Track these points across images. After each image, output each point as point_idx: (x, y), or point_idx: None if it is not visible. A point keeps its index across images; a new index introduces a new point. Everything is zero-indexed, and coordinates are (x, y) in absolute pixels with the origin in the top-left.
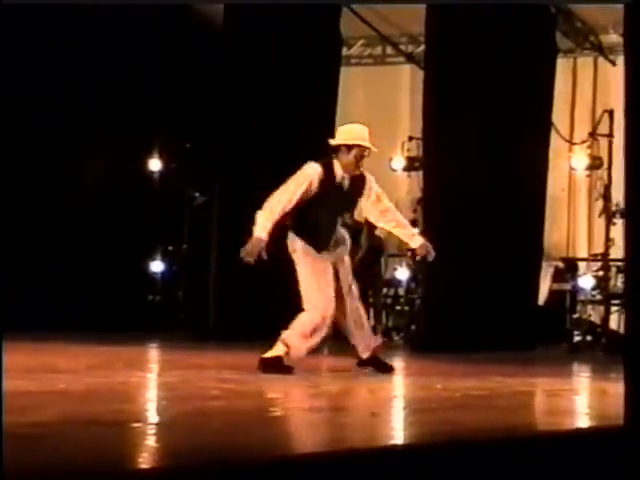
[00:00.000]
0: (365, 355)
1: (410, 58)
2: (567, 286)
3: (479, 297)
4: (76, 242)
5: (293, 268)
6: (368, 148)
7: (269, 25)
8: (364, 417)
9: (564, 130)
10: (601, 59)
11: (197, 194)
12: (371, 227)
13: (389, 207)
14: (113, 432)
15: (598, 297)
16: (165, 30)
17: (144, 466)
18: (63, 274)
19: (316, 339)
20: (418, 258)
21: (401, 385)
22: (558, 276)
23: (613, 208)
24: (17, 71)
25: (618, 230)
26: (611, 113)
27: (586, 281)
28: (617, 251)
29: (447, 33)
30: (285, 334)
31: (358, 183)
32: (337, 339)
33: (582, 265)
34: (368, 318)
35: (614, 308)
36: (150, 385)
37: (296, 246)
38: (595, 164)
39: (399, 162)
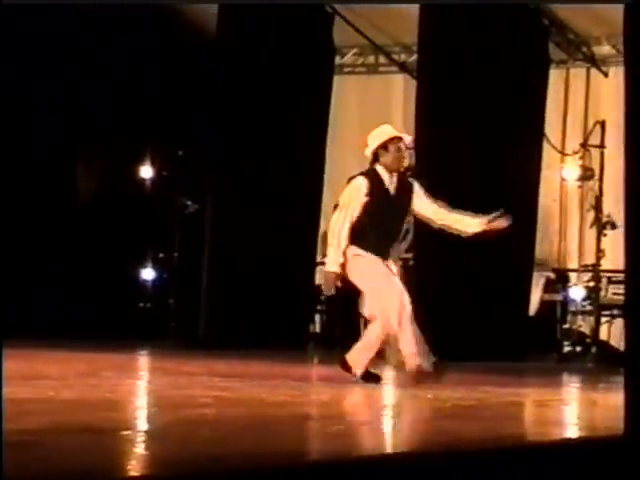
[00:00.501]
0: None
1: (403, 67)
2: (558, 296)
3: (469, 306)
4: (67, 249)
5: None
6: (401, 138)
7: (262, 34)
8: (355, 426)
9: (556, 141)
10: (593, 70)
11: (189, 202)
12: None
13: (440, 202)
14: (102, 440)
15: (589, 308)
16: (158, 38)
17: (134, 474)
18: (54, 281)
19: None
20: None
21: (392, 394)
22: (549, 286)
23: (604, 219)
24: (11, 75)
25: (609, 241)
26: (603, 124)
27: (577, 292)
28: (608, 262)
29: (440, 43)
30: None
31: (404, 186)
32: (327, 347)
33: (573, 276)
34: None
35: (604, 319)
36: (140, 393)
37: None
38: (586, 175)
39: None
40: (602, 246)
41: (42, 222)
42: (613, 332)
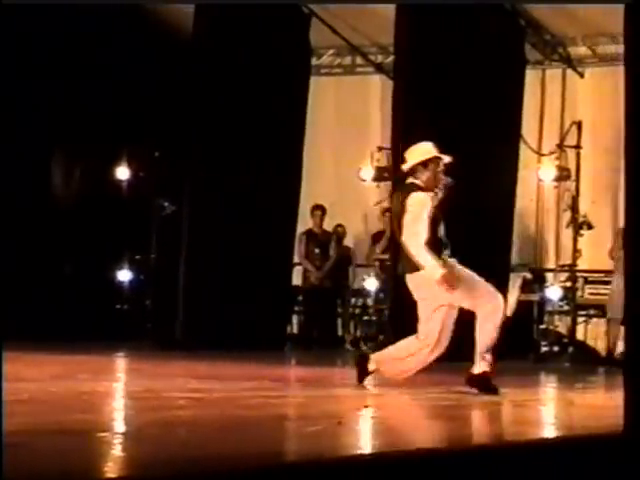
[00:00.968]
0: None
1: (380, 68)
2: (535, 297)
3: None
4: (44, 250)
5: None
6: (441, 158)
7: (238, 34)
8: (332, 427)
9: (532, 141)
10: (569, 71)
11: (166, 203)
12: (339, 237)
13: None
14: (79, 442)
15: (565, 308)
16: (135, 38)
17: (110, 476)
18: (30, 282)
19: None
20: None
21: (369, 394)
22: (526, 287)
23: (580, 219)
24: None
25: (585, 241)
26: (579, 124)
27: (553, 292)
28: (584, 262)
29: (416, 43)
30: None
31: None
32: (304, 348)
33: (550, 276)
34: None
35: (581, 319)
36: (117, 394)
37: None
38: (563, 175)
39: (368, 172)
40: (579, 246)
41: (18, 223)
42: (590, 332)
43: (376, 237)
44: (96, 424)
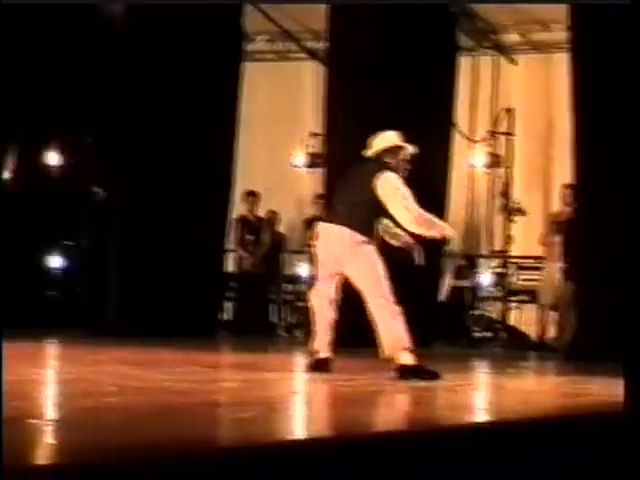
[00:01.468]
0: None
1: (313, 54)
2: (467, 283)
3: None
4: None
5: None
6: (405, 148)
7: (169, 20)
8: (264, 412)
9: (465, 128)
10: (502, 58)
11: (97, 189)
12: (272, 223)
13: None
14: (9, 429)
15: (497, 294)
16: (66, 24)
17: (41, 463)
18: None
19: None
20: None
21: (302, 380)
22: (458, 273)
23: (512, 206)
24: None
25: (517, 227)
26: (511, 112)
27: (486, 278)
28: (516, 248)
29: (349, 30)
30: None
31: None
32: (236, 335)
33: (482, 262)
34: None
35: (513, 304)
36: (47, 381)
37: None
38: (495, 162)
39: (301, 158)
40: (510, 232)
41: None
42: (521, 317)
43: (309, 223)
44: (26, 411)
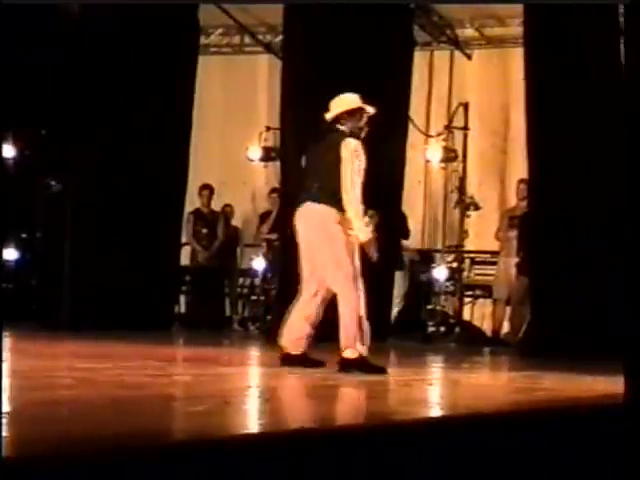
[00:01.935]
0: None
1: (268, 48)
2: (422, 277)
3: None
4: None
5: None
6: (366, 109)
7: (124, 11)
8: (217, 406)
9: (420, 123)
10: (457, 53)
11: (52, 182)
12: (227, 217)
13: None
14: None
15: (452, 288)
16: (23, 14)
17: None
18: None
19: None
20: None
21: (256, 374)
22: (413, 267)
23: (467, 200)
24: None
25: (472, 222)
26: (466, 106)
27: (440, 272)
28: (471, 243)
29: (305, 24)
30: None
31: None
32: (191, 328)
33: (437, 256)
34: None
35: (467, 299)
36: None
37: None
38: (450, 157)
39: (256, 152)
40: (465, 227)
41: None
42: (476, 312)
43: (264, 217)
44: None
